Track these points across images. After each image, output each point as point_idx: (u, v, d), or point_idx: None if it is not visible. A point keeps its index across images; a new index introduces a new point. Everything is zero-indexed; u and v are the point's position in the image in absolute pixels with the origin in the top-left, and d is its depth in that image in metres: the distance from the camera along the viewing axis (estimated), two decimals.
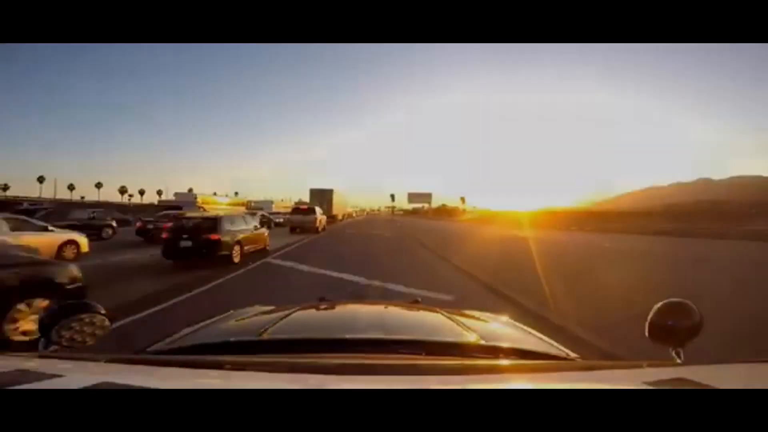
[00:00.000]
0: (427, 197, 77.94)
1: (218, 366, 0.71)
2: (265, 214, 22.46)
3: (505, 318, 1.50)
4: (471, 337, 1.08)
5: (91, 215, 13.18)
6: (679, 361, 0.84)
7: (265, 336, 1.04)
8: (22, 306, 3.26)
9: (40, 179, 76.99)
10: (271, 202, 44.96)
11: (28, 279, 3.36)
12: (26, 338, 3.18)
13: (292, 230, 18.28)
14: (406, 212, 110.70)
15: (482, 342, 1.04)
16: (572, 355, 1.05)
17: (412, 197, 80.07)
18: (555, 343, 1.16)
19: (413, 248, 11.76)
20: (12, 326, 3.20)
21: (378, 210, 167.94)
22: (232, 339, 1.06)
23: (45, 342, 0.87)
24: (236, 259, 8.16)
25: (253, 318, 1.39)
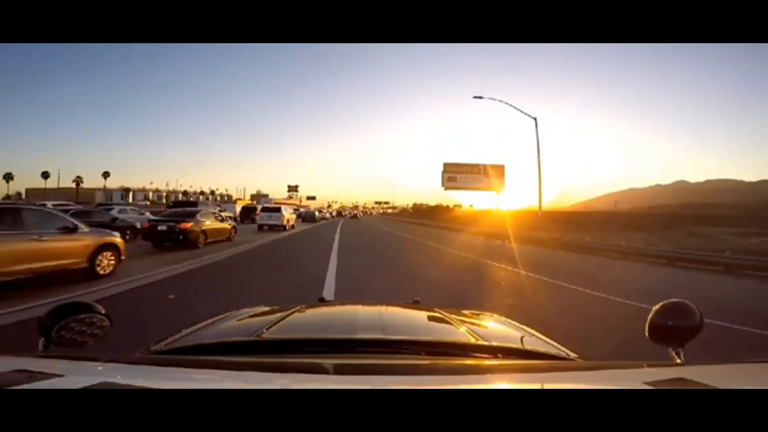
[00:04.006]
0: (496, 174, 34.78)
1: (218, 366, 0.75)
2: None
3: (504, 318, 1.55)
4: (471, 338, 1.08)
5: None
6: (679, 361, 0.87)
7: (265, 336, 1.06)
8: None
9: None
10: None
11: None
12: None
13: None
14: (406, 211, 57.64)
15: (482, 342, 1.04)
16: (572, 354, 1.06)
17: (453, 173, 34.56)
18: (555, 343, 1.16)
19: None
20: None
21: (362, 208, 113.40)
22: (232, 339, 1.07)
23: (45, 342, 0.89)
24: None
25: (253, 318, 1.40)
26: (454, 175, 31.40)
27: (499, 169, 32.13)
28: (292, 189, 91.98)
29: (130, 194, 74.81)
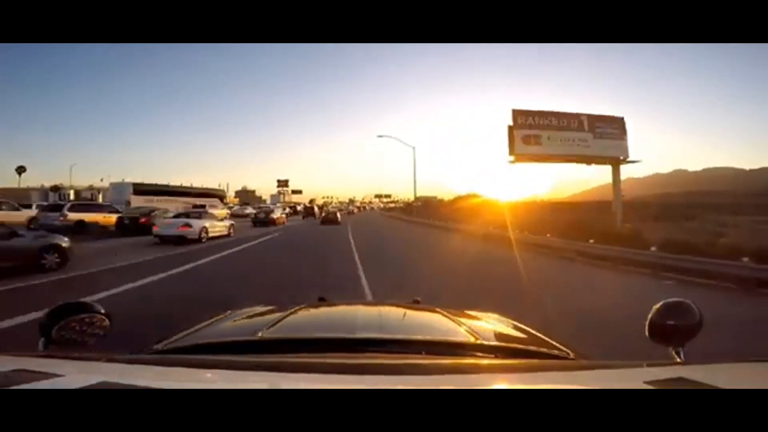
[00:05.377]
0: (611, 132, 17.57)
1: (218, 366, 0.73)
2: None
3: (505, 317, 1.49)
4: (471, 337, 1.06)
5: None
6: (679, 360, 0.86)
7: (265, 336, 1.04)
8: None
9: None
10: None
11: None
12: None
13: None
14: (410, 206, 44.02)
15: (482, 341, 1.02)
16: (572, 354, 1.04)
17: (532, 130, 16.22)
18: (555, 342, 1.13)
19: None
20: None
21: (360, 203, 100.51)
22: (232, 339, 1.06)
23: (45, 342, 0.88)
24: None
25: (252, 318, 1.38)
26: (536, 132, 15.93)
27: (617, 124, 17.00)
28: (282, 184, 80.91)
29: (71, 193, 60.66)
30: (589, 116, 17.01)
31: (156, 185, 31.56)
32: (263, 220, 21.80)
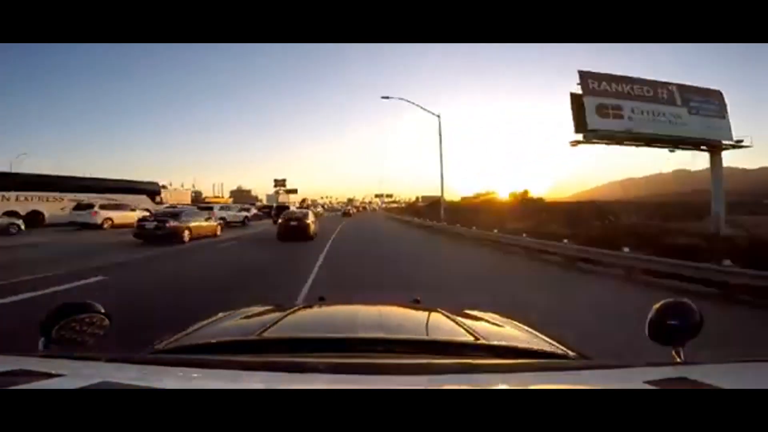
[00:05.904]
0: (707, 107, 13.11)
1: (218, 366, 0.75)
2: None
3: (505, 317, 1.47)
4: (471, 337, 1.08)
5: None
6: (679, 360, 0.86)
7: (266, 335, 1.06)
8: None
9: None
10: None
11: None
12: None
13: None
14: (412, 206, 40.48)
15: (483, 341, 1.03)
16: (572, 353, 1.05)
17: (608, 97, 11.25)
18: (556, 343, 1.12)
19: None
20: None
21: (360, 203, 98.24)
22: (232, 338, 1.07)
23: (45, 342, 0.89)
24: None
25: (253, 318, 1.38)
26: (615, 102, 11.49)
27: (715, 98, 13.00)
28: (279, 183, 78.25)
29: None
30: (680, 86, 12.61)
31: (20, 175, 19.81)
32: (155, 234, 11.08)
